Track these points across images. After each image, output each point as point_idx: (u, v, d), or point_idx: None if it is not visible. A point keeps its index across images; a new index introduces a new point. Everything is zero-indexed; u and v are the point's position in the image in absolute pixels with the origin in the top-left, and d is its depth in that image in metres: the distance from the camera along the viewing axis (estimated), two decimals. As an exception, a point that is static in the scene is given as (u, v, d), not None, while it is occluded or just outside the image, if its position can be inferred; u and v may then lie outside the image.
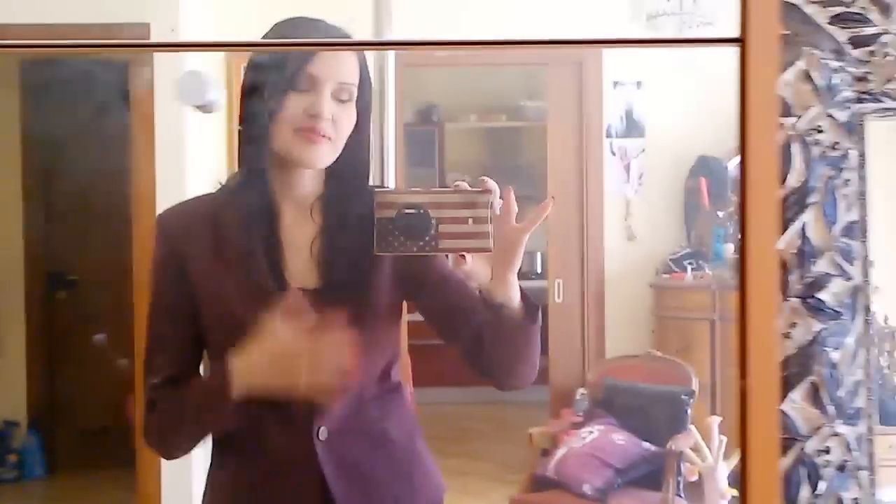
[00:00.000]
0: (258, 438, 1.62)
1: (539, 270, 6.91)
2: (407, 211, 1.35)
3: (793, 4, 0.85)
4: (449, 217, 1.36)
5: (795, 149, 0.85)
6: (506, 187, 1.43)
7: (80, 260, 6.06)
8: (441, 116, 7.77)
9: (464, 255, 1.42)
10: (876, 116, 0.86)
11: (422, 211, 1.36)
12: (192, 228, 1.62)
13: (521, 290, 1.52)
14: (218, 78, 4.88)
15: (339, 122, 1.59)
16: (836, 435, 0.85)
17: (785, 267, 0.84)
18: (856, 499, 0.85)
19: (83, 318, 5.94)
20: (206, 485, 1.71)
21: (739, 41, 0.71)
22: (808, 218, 0.85)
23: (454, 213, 1.37)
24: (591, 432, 3.83)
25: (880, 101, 0.86)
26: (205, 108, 3.72)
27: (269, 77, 1.57)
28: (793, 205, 0.85)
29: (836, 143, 0.85)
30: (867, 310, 0.86)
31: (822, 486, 0.84)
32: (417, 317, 1.73)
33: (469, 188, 1.39)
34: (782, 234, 0.85)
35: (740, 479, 0.75)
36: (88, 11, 4.39)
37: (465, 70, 7.15)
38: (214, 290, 1.57)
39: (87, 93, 5.64)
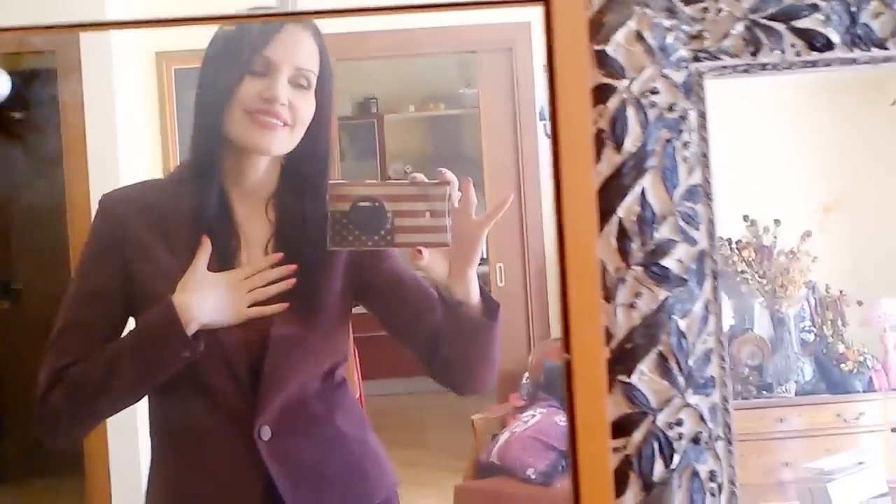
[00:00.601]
0: (199, 441, 1.58)
1: (485, 256, 6.89)
2: (362, 204, 1.30)
3: (621, -37, 0.82)
4: (405, 210, 1.31)
5: (630, 112, 0.82)
6: (464, 179, 1.38)
7: (23, 269, 5.98)
8: (380, 108, 7.73)
9: (420, 250, 1.37)
10: (714, 75, 0.83)
11: (377, 204, 1.30)
12: (137, 216, 1.56)
13: (481, 287, 1.47)
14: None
15: (296, 109, 1.53)
16: (687, 406, 0.82)
17: (626, 234, 0.82)
18: (712, 471, 0.82)
19: (27, 328, 5.84)
20: (148, 486, 1.66)
21: (543, 1, 0.68)
22: (647, 183, 0.82)
23: (411, 206, 1.32)
24: (534, 415, 3.82)
25: (718, 59, 0.83)
26: None
27: (224, 61, 1.53)
28: (631, 170, 0.82)
29: (673, 104, 0.82)
30: (714, 275, 0.83)
31: (675, 459, 0.82)
32: (363, 309, 1.68)
33: (426, 180, 1.33)
34: (621, 201, 0.82)
35: (570, 457, 0.72)
36: (10, 14, 4.32)
37: (401, 61, 7.10)
38: (158, 282, 1.51)
39: (20, 104, 5.57)
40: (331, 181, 1.36)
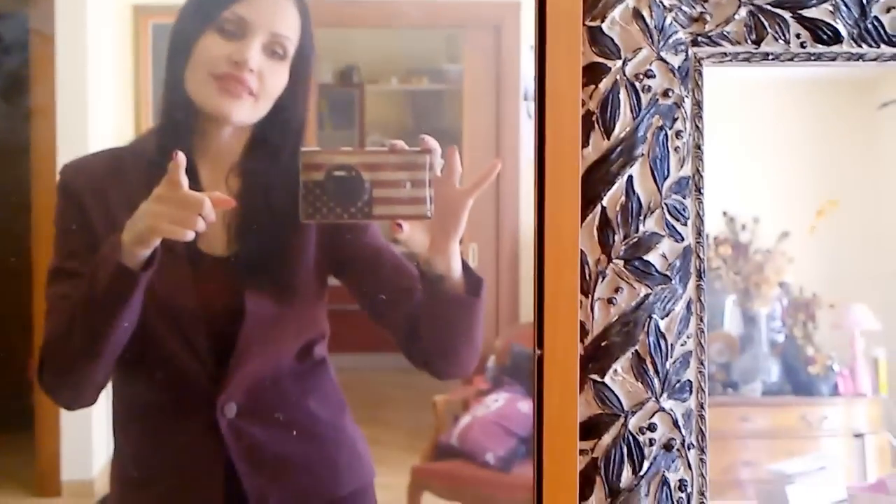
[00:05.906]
0: (160, 416, 1.53)
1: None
2: (337, 173, 1.21)
3: (623, -65, 0.77)
4: (384, 180, 1.23)
5: (622, 95, 0.77)
6: (449, 147, 1.30)
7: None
8: (362, 78, 7.66)
9: (400, 223, 1.30)
10: (713, 62, 0.79)
11: (354, 173, 1.22)
12: (97, 185, 1.49)
13: (464, 261, 1.39)
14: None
15: (265, 79, 1.44)
16: (661, 410, 0.77)
17: (609, 225, 0.77)
18: (682, 480, 0.78)
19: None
20: (113, 460, 1.61)
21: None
22: (636, 172, 0.77)
23: (390, 176, 1.23)
24: (497, 400, 3.77)
25: (718, 45, 0.78)
26: None
27: (192, 12, 1.44)
28: (619, 157, 0.77)
29: (669, 89, 0.77)
30: (700, 274, 0.78)
31: (645, 465, 0.77)
32: (332, 281, 1.62)
33: (406, 147, 1.25)
34: (607, 189, 0.77)
35: (535, 457, 0.68)
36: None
37: (386, 32, 7.04)
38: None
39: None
40: (304, 148, 1.28)
